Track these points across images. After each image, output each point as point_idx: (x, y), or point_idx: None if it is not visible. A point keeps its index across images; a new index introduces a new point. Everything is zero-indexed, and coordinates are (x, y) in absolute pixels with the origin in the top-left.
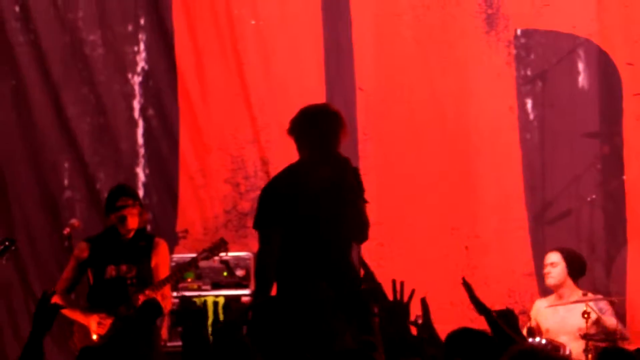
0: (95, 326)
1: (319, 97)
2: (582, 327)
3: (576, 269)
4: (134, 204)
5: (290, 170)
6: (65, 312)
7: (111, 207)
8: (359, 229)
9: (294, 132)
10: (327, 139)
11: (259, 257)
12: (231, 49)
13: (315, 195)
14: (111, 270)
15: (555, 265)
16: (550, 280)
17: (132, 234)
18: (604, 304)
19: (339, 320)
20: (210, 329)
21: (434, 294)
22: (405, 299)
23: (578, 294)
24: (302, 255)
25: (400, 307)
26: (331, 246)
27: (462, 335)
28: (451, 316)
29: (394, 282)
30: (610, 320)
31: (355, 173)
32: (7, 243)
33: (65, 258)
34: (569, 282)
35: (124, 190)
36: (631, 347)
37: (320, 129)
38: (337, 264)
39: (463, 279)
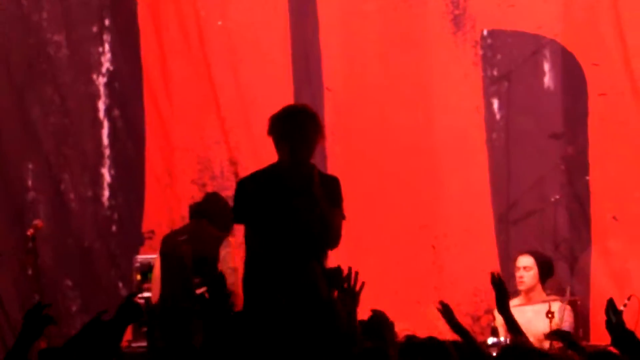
0: None
1: (286, 97)
2: (547, 331)
3: (546, 273)
4: None
5: (266, 171)
6: None
7: None
8: (327, 234)
9: (271, 131)
10: (303, 140)
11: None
12: (198, 50)
13: (285, 200)
14: None
15: (528, 269)
16: (523, 286)
17: None
18: (566, 314)
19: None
20: None
21: (401, 292)
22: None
23: (542, 295)
24: (267, 260)
25: (351, 294)
26: (296, 251)
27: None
28: (417, 314)
29: (349, 269)
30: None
31: (334, 185)
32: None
33: (29, 259)
34: (538, 286)
35: None
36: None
37: (296, 130)
38: (301, 269)
39: (440, 302)
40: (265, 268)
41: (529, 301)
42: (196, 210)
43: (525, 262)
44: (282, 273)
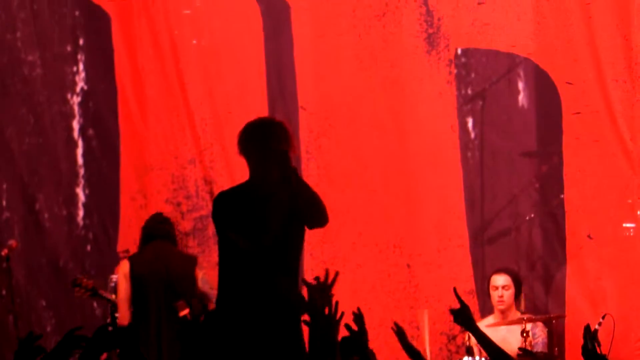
0: None
1: (261, 116)
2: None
3: (519, 291)
4: None
5: (240, 186)
6: None
7: None
8: (316, 212)
9: (240, 149)
10: (269, 151)
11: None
12: (173, 69)
13: (257, 207)
14: None
15: (507, 288)
16: (503, 305)
17: None
18: (538, 330)
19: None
20: None
21: (376, 312)
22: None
23: (517, 313)
24: (241, 269)
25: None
26: (269, 258)
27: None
28: (393, 334)
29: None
30: (538, 348)
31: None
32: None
33: (3, 279)
34: (513, 304)
35: None
36: None
37: (262, 143)
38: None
39: (395, 324)
40: (238, 277)
41: (504, 319)
42: (155, 232)
43: (504, 281)
44: (255, 282)
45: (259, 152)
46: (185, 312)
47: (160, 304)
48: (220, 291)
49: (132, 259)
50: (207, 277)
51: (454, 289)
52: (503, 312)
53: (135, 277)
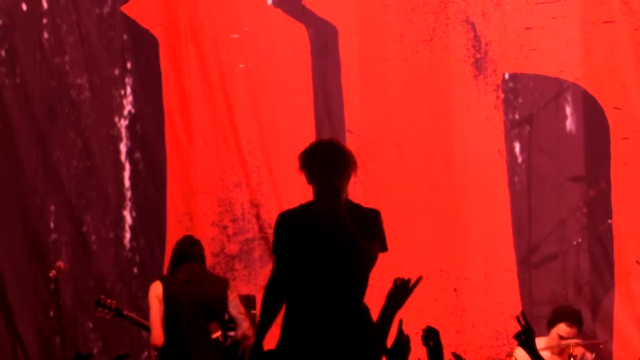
0: None
1: (308, 139)
2: None
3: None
4: None
5: (301, 209)
6: None
7: None
8: (354, 262)
9: (301, 166)
10: (329, 175)
11: (267, 285)
12: (220, 92)
13: (315, 236)
14: None
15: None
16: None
17: None
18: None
19: None
20: None
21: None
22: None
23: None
24: (304, 297)
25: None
26: (331, 287)
27: None
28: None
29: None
30: None
31: (371, 218)
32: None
33: (51, 300)
34: None
35: None
36: None
37: (322, 164)
38: (338, 306)
39: (453, 354)
40: (301, 309)
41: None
42: (187, 254)
43: (571, 335)
44: (318, 316)
45: (316, 177)
46: (217, 334)
47: (193, 325)
48: (287, 315)
49: (164, 280)
50: (238, 301)
51: (522, 312)
52: None
53: (168, 298)
